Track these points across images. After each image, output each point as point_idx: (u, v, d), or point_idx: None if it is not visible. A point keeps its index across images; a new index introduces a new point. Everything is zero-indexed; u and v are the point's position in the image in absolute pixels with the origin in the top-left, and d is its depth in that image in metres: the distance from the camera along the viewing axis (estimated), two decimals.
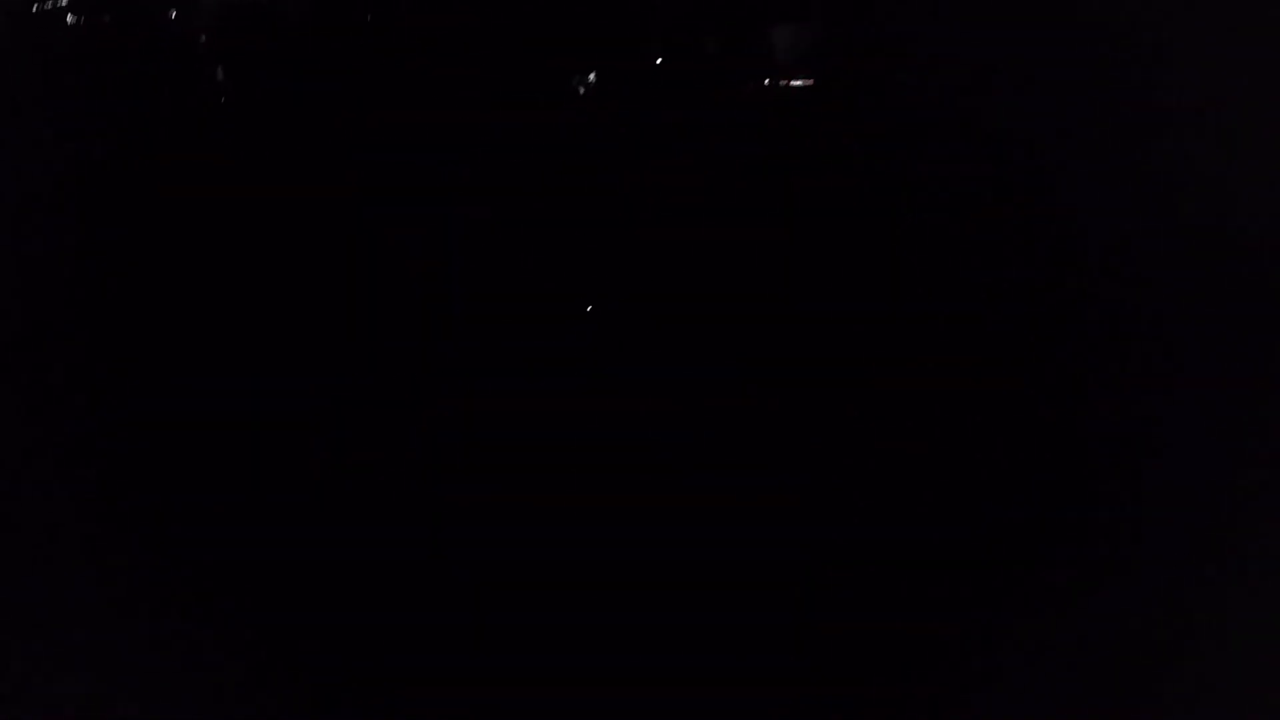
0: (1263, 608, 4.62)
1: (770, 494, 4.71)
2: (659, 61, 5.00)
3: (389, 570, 4.48)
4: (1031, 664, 4.71)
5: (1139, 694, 4.66)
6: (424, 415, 4.68)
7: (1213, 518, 4.81)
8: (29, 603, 4.32)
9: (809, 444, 4.74)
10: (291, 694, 4.27)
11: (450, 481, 4.50)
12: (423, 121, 5.55)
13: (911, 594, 4.61)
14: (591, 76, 5.61)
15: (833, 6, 5.07)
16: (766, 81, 4.98)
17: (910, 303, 4.67)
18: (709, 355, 4.77)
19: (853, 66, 4.79)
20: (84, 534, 4.50)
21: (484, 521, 4.48)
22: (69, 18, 5.83)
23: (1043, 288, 4.78)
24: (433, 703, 4.05)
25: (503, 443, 4.59)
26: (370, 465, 4.60)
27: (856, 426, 4.70)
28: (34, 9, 5.82)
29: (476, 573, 4.32)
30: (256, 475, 4.70)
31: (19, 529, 4.50)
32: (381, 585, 4.36)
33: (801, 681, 4.26)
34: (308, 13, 5.80)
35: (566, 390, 4.65)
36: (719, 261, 4.92)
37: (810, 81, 4.92)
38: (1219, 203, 4.88)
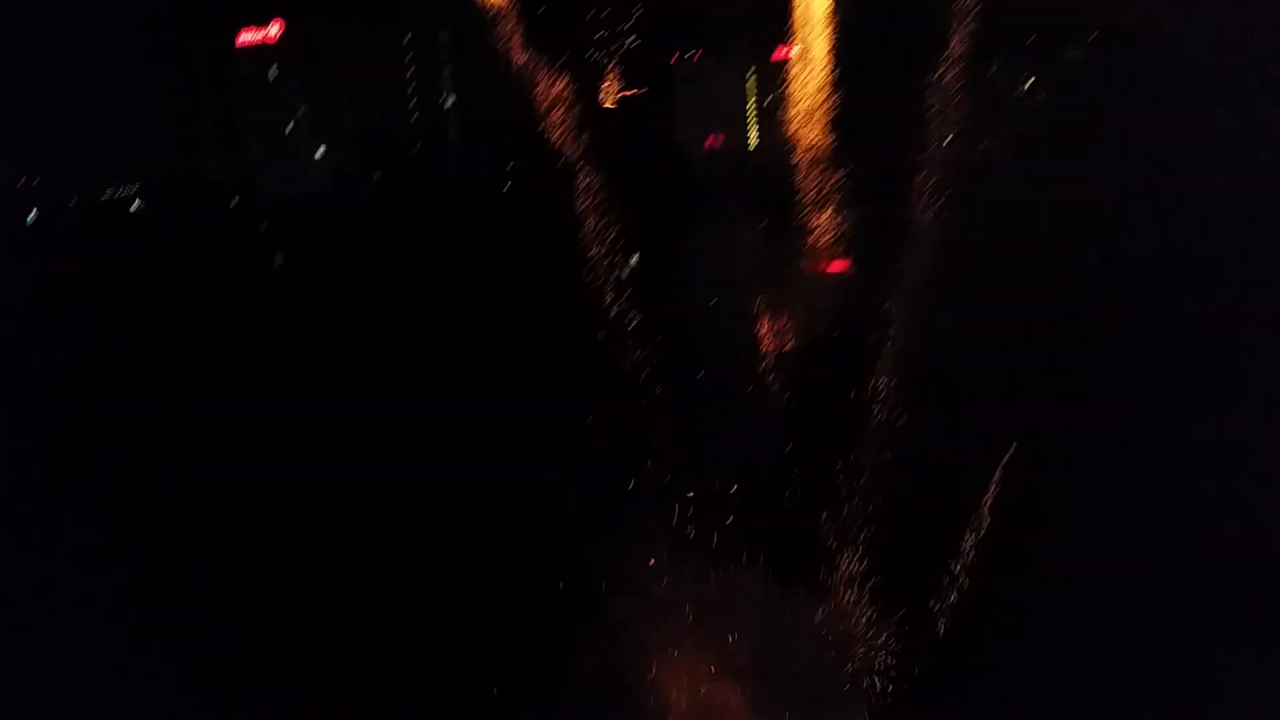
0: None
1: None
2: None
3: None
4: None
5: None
6: None
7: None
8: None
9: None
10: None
11: None
12: (483, 315, 6.48)
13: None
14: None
15: None
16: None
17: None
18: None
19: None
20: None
21: None
22: (136, 204, 6.74)
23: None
24: None
25: None
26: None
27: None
28: (102, 197, 6.74)
29: None
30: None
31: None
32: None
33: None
34: (364, 201, 6.73)
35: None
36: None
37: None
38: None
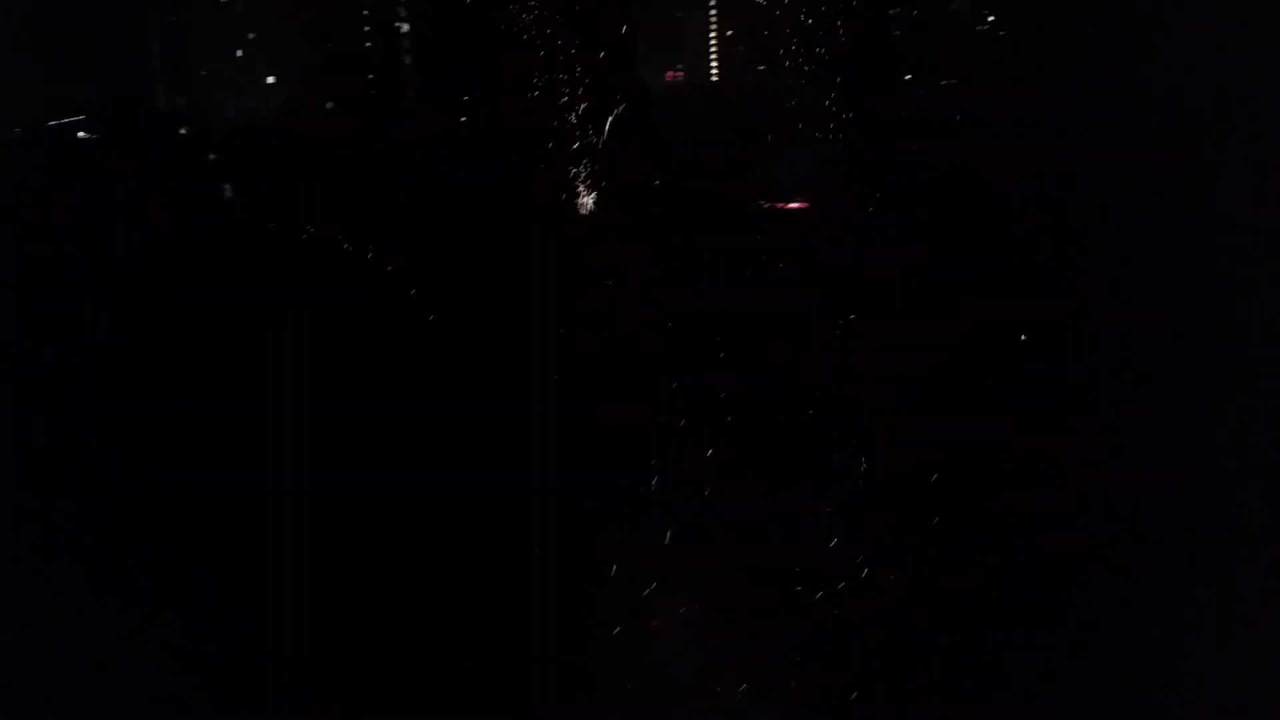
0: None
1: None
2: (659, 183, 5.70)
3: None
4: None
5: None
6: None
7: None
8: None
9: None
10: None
11: None
12: (430, 237, 6.31)
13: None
14: (592, 198, 6.42)
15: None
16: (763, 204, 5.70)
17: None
18: None
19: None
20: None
21: None
22: (80, 133, 6.42)
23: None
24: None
25: None
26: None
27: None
28: (49, 125, 6.41)
29: None
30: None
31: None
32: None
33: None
34: (316, 132, 6.48)
35: None
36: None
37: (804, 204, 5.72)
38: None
